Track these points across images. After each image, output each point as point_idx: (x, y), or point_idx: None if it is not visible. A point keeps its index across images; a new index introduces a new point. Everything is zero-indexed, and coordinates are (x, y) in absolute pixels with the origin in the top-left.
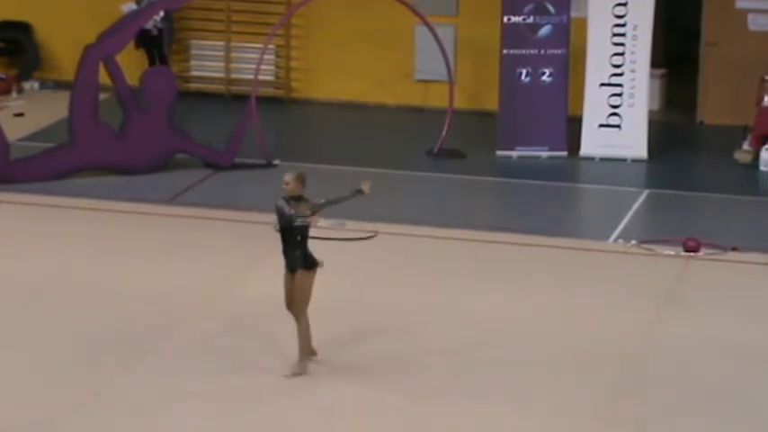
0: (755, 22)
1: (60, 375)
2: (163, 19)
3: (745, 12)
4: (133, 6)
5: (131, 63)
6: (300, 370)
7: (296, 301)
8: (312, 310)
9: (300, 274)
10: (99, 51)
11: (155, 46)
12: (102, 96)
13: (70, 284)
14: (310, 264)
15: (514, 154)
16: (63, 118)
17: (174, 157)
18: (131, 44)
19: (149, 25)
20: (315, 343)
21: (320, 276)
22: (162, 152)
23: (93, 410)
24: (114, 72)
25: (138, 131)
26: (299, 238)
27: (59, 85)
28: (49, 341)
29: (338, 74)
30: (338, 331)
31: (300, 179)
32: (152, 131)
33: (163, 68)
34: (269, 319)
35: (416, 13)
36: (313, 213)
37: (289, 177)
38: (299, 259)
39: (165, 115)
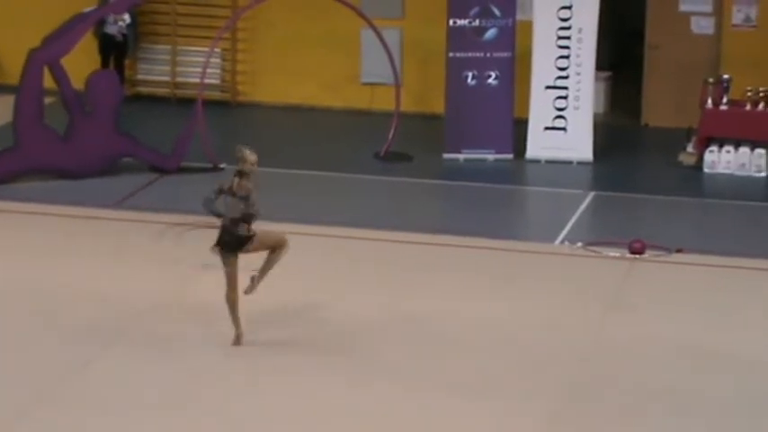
0: (698, 25)
1: (3, 380)
2: (129, 25)
3: (688, 15)
4: None
5: (84, 67)
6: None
7: None
8: (252, 312)
9: None
10: (43, 55)
11: (117, 52)
12: (48, 100)
13: (14, 288)
14: None
15: (461, 157)
16: (8, 122)
17: (120, 161)
18: (92, 47)
19: (114, 31)
20: (253, 344)
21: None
22: (107, 156)
23: (39, 412)
24: (59, 76)
25: (82, 135)
26: None
27: (4, 89)
28: None
29: (284, 77)
30: (277, 335)
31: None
32: (97, 135)
33: (108, 72)
34: (216, 321)
35: (362, 16)
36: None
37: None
38: None
39: (110, 119)
